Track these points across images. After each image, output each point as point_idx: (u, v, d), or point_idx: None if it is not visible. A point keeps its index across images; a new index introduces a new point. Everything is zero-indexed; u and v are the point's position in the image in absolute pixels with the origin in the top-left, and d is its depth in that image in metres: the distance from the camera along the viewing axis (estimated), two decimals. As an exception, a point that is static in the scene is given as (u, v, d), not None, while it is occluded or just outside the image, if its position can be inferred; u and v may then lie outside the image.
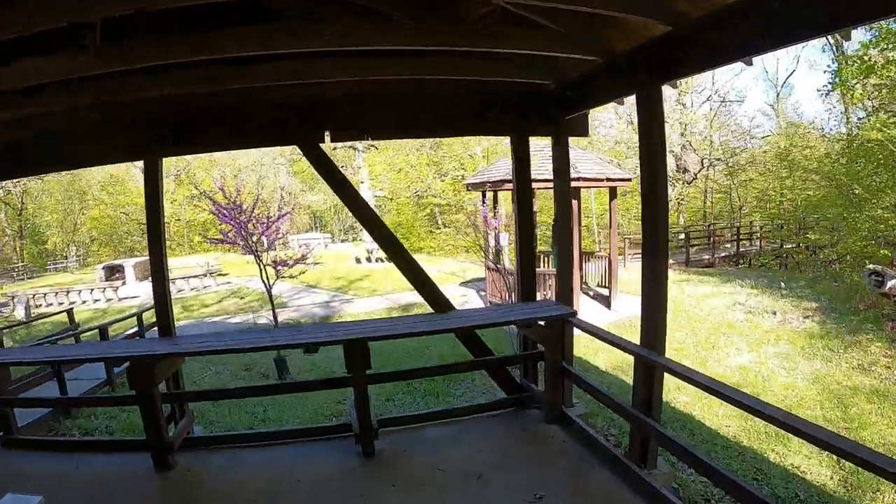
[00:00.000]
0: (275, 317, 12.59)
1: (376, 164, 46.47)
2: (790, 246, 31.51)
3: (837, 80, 26.93)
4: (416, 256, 24.31)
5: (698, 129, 44.36)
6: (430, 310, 7.41)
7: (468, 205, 40.89)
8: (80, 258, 52.75)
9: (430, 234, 47.25)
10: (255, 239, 11.95)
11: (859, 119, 29.37)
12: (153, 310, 7.54)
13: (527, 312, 6.87)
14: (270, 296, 12.43)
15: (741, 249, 31.53)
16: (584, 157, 18.74)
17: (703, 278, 21.93)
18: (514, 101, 7.26)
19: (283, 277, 12.93)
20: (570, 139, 7.48)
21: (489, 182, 17.86)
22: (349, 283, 25.04)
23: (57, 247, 55.96)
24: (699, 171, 44.05)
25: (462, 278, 26.06)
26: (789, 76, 70.93)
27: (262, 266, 12.07)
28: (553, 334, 6.71)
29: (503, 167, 18.10)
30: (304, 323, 17.75)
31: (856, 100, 27.90)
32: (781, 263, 29.83)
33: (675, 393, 9.88)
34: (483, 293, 20.88)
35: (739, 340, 13.67)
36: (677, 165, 42.79)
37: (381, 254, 32.11)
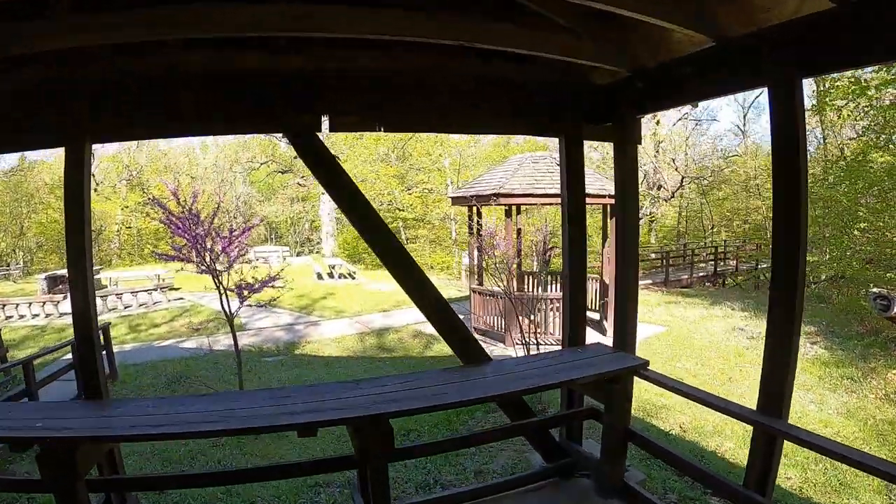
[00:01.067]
0: (238, 353, 10.59)
1: None
2: (765, 265, 30.83)
3: (825, 100, 26.68)
4: (377, 272, 22.50)
5: (672, 146, 43.62)
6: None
7: (452, 219, 39.56)
8: (24, 266, 49.85)
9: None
10: (213, 255, 10.00)
11: (850, 139, 29.20)
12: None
13: (590, 366, 5.46)
14: (232, 326, 10.45)
15: (718, 269, 31.31)
16: (587, 172, 17.14)
17: (689, 300, 21.36)
18: (565, 93, 5.97)
19: (248, 304, 11.06)
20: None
21: (477, 196, 16.16)
22: (313, 302, 23.03)
23: (2, 251, 52.77)
24: (676, 190, 43.24)
25: (436, 298, 23.98)
26: (757, 97, 71.16)
27: (222, 289, 10.14)
28: (616, 390, 5.43)
29: (492, 181, 16.42)
30: (268, 350, 15.88)
31: (843, 119, 27.06)
32: (757, 284, 29.83)
33: (718, 439, 8.94)
34: (462, 317, 19.06)
35: (753, 369, 12.59)
36: (650, 183, 41.92)
37: (344, 269, 30.42)
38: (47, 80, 4.54)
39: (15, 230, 51.90)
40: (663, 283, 27.89)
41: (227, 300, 10.13)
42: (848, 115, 23.75)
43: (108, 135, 5.26)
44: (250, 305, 11.12)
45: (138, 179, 53.41)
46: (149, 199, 11.80)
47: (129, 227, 53.14)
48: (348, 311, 21.84)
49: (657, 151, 42.25)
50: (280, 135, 44.93)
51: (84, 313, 4.83)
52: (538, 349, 11.40)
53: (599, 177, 18.43)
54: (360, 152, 42.20)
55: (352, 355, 15.62)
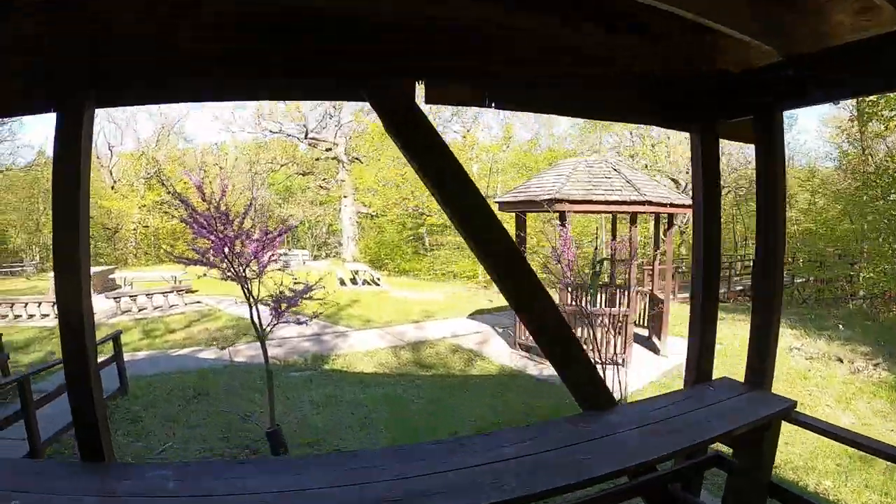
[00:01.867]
0: (270, 379, 9.15)
1: (366, 178, 42.96)
2: (801, 280, 30.64)
3: (868, 111, 26.05)
4: (401, 279, 21.15)
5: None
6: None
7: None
8: (39, 263, 48.82)
9: (416, 255, 43.85)
10: (242, 260, 8.61)
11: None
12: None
13: (736, 410, 4.37)
14: (263, 345, 9.04)
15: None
16: (642, 178, 15.86)
17: (731, 315, 19.63)
18: (698, 79, 4.80)
19: (286, 320, 9.64)
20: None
21: (529, 202, 14.79)
22: (338, 310, 21.50)
23: (18, 247, 52.64)
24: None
25: (464, 309, 22.73)
26: (793, 108, 72.30)
27: (253, 302, 8.73)
28: (766, 437, 4.37)
29: (544, 186, 15.00)
30: (295, 364, 14.49)
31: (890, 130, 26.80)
32: (804, 299, 28.52)
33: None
34: (500, 329, 17.81)
35: (822, 394, 12.00)
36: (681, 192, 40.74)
37: (368, 275, 29.17)
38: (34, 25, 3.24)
39: (31, 226, 51.45)
40: (703, 297, 26.38)
41: (258, 312, 8.74)
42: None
43: (115, 95, 3.82)
44: (287, 322, 9.67)
45: (156, 178, 52.76)
46: (170, 192, 10.21)
47: (146, 227, 52.52)
48: (377, 320, 20.42)
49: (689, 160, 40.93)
50: (303, 135, 44.56)
51: (77, 352, 3.48)
52: (604, 371, 10.00)
53: (654, 181, 17.09)
54: (386, 154, 40.77)
55: (388, 372, 14.25)
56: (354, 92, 3.88)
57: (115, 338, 12.09)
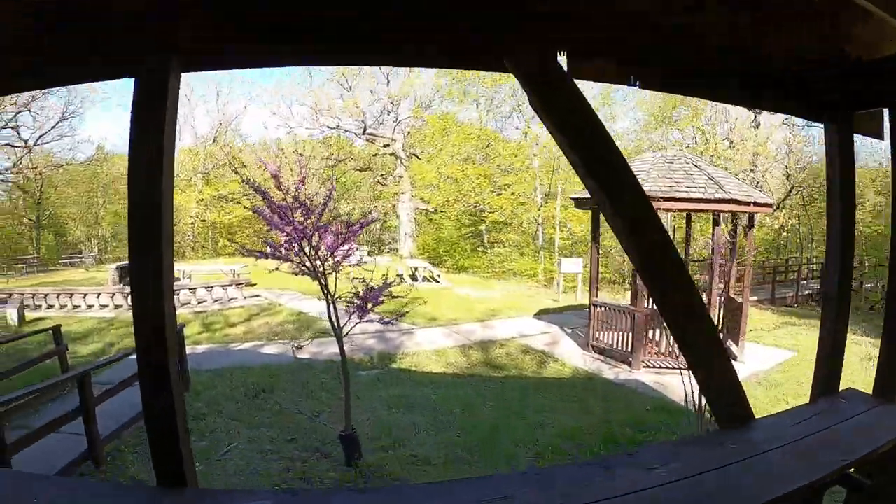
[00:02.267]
0: (346, 383, 8.60)
1: (426, 173, 42.33)
2: (869, 285, 29.69)
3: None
4: (460, 276, 20.48)
5: (773, 154, 40.82)
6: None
7: (540, 224, 37.53)
8: (97, 254, 50.33)
9: (475, 252, 43.23)
10: (319, 254, 8.09)
11: None
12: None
13: (879, 426, 3.71)
14: (341, 345, 8.52)
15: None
16: (722, 174, 15.06)
17: (804, 321, 19.50)
18: (832, 65, 4.10)
19: (370, 319, 9.10)
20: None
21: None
22: (401, 307, 20.96)
23: (77, 240, 54.15)
24: (783, 200, 40.54)
25: (529, 308, 22.00)
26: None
27: (331, 300, 8.22)
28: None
29: None
30: (362, 362, 13.95)
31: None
32: (872, 306, 26.61)
33: None
34: (568, 330, 17.13)
35: None
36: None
37: (428, 272, 28.70)
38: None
39: (90, 219, 53.08)
40: (770, 300, 26.14)
41: (335, 310, 8.23)
42: None
43: (208, 55, 3.22)
44: (372, 321, 9.14)
45: (214, 172, 54.08)
46: (245, 181, 9.60)
47: (204, 221, 52.96)
48: (441, 318, 19.91)
49: (754, 158, 39.64)
50: (361, 131, 44.29)
51: (156, 361, 2.93)
52: (682, 375, 9.33)
53: (735, 178, 16.30)
54: (446, 149, 40.22)
55: (458, 373, 13.68)
56: (497, 61, 3.31)
57: (179, 330, 11.69)
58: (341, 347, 8.43)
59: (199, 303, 22.72)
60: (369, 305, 8.35)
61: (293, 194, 7.84)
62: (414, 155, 43.58)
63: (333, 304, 8.18)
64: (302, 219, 7.72)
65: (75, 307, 23.97)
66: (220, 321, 19.59)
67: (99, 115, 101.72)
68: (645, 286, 3.68)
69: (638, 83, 3.61)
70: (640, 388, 12.37)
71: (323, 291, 8.10)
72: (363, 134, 44.61)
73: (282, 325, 18.60)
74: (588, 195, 14.85)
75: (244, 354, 14.86)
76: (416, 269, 28.91)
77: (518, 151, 40.02)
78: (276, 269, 8.28)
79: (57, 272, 40.01)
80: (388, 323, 9.35)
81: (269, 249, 8.16)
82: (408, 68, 44.25)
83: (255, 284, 24.83)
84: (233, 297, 23.27)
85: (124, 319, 21.05)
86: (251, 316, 20.25)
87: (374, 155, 46.10)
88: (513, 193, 38.16)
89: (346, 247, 8.31)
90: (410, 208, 42.38)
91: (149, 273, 2.83)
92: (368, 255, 45.00)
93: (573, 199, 16.19)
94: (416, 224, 44.12)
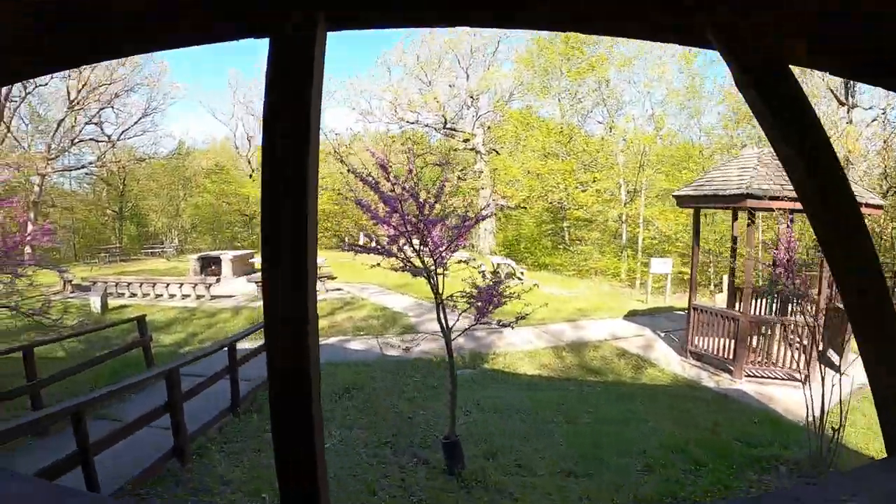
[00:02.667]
0: (454, 389, 8.06)
1: (510, 168, 41.52)
2: None
3: None
4: (541, 274, 19.90)
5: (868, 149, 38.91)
6: None
7: (623, 221, 36.58)
8: (178, 245, 51.70)
9: (556, 249, 42.20)
10: (428, 249, 7.60)
11: None
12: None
13: None
14: (449, 348, 8.07)
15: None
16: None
17: None
18: None
19: (486, 321, 8.61)
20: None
21: (713, 196, 13.31)
22: (486, 304, 20.40)
23: (158, 231, 55.89)
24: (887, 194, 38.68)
25: (616, 309, 21.18)
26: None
27: (440, 298, 7.74)
28: None
29: (729, 179, 13.35)
30: (454, 362, 13.47)
31: None
32: None
33: None
34: (661, 333, 16.36)
35: None
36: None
37: (511, 269, 28.16)
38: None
39: (171, 211, 54.86)
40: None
41: (444, 309, 7.73)
42: None
43: (358, 9, 2.69)
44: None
45: (334, 157, 54.18)
46: (350, 171, 8.96)
47: None
48: (529, 317, 19.08)
49: (848, 155, 37.83)
50: (441, 125, 43.90)
51: (292, 371, 2.38)
52: (795, 387, 8.63)
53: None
54: (529, 144, 39.50)
55: (553, 375, 13.17)
56: (700, 33, 2.71)
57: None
58: (449, 350, 7.96)
59: (282, 296, 22.46)
60: (490, 306, 7.83)
61: (402, 186, 7.35)
62: (493, 150, 42.96)
63: (442, 303, 7.69)
64: (417, 211, 7.22)
65: (157, 296, 24.35)
66: (306, 314, 19.21)
67: (180, 110, 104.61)
68: (841, 294, 3.04)
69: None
70: (742, 399, 11.75)
71: (432, 289, 7.61)
72: (443, 129, 44.23)
73: (366, 321, 18.33)
74: (692, 193, 14.17)
75: (329, 350, 14.55)
76: (498, 265, 28.33)
77: (602, 147, 39.05)
78: (378, 264, 7.82)
79: (138, 261, 41.25)
80: (506, 326, 8.69)
81: (371, 243, 7.75)
82: (488, 62, 43.85)
83: (335, 278, 24.62)
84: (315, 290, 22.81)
85: (206, 309, 21.21)
86: (334, 310, 20.07)
87: (454, 150, 45.58)
88: (597, 190, 37.08)
89: (458, 243, 7.86)
90: (491, 202, 41.91)
91: (289, 264, 2.32)
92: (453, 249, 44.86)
93: (675, 196, 15.34)
94: (495, 220, 43.51)
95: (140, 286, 25.18)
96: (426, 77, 44.41)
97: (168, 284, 24.96)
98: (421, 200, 7.34)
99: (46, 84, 40.68)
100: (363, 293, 22.72)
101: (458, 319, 8.21)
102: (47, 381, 9.84)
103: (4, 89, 37.39)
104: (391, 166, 7.67)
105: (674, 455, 8.39)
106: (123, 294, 24.84)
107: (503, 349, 14.84)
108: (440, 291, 7.68)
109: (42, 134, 43.27)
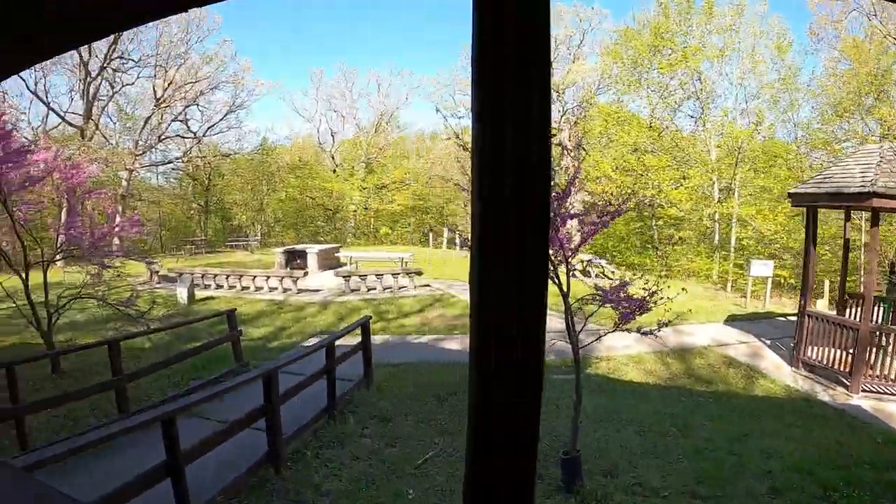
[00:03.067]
0: (578, 400, 7.48)
1: (599, 164, 40.10)
2: None
3: None
4: (630, 274, 19.48)
5: None
6: None
7: (716, 220, 35.17)
8: (261, 238, 52.70)
9: (646, 249, 40.92)
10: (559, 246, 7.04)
11: None
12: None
13: None
14: (577, 358, 7.54)
15: None
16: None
17: None
18: None
19: (626, 329, 8.02)
20: None
21: (835, 194, 12.45)
22: (583, 305, 19.40)
23: (242, 224, 57.04)
24: None
25: (715, 313, 20.25)
26: None
27: (569, 304, 7.20)
28: None
29: (853, 177, 12.43)
30: (553, 365, 12.86)
31: None
32: None
33: None
34: (767, 341, 15.51)
35: None
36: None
37: (600, 268, 27.51)
38: None
39: (255, 205, 56.24)
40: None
41: (572, 314, 7.20)
42: None
43: None
44: (628, 331, 8.08)
45: (378, 161, 56.33)
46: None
47: (366, 209, 55.30)
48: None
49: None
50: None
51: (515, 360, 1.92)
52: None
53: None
54: (619, 139, 38.32)
55: (660, 383, 12.56)
56: None
57: (365, 325, 11.14)
58: (577, 358, 7.43)
59: (368, 290, 22.61)
60: (638, 311, 7.21)
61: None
62: (579, 146, 42.08)
63: (569, 307, 7.15)
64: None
65: (244, 288, 24.68)
66: (393, 310, 19.30)
67: (263, 107, 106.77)
68: None
69: None
70: (861, 416, 10.95)
71: (561, 291, 7.09)
72: (530, 123, 43.83)
73: (458, 319, 17.92)
74: (810, 191, 13.28)
75: (424, 348, 14.37)
76: (587, 263, 27.64)
77: (693, 142, 37.62)
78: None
79: (223, 254, 42.62)
80: (647, 334, 7.95)
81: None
82: (573, 55, 43.10)
83: (421, 273, 24.31)
84: (403, 286, 22.95)
85: (293, 303, 21.33)
86: (424, 306, 19.83)
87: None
88: (688, 188, 35.39)
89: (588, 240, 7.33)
90: (577, 200, 41.02)
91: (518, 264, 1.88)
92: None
93: (791, 194, 14.35)
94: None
95: (227, 278, 25.54)
96: (511, 71, 43.96)
97: (255, 277, 25.25)
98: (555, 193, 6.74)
99: (133, 84, 42.74)
100: (451, 290, 22.41)
101: (584, 324, 7.56)
102: (133, 375, 9.79)
103: (92, 88, 38.71)
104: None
105: (800, 478, 7.70)
106: (210, 286, 25.21)
107: (604, 353, 14.21)
108: (567, 292, 7.10)
109: (129, 131, 44.88)
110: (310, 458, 7.80)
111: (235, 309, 13.65)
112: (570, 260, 7.15)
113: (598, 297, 7.36)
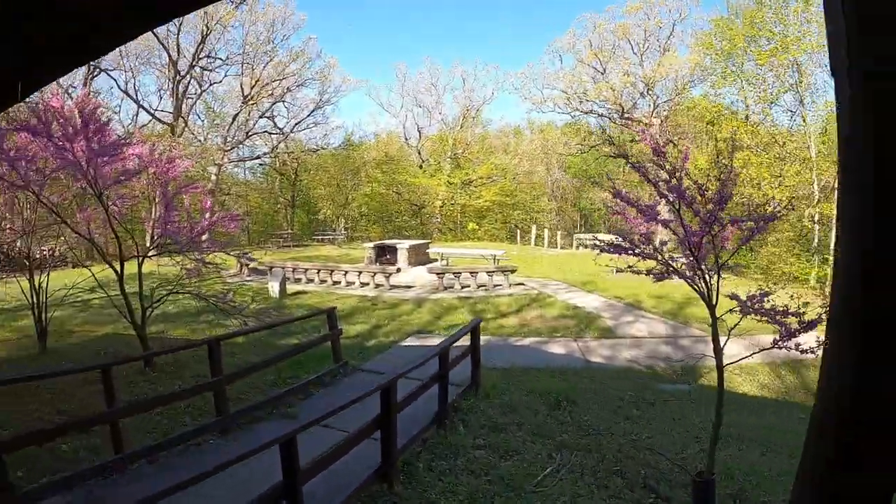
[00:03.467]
0: (718, 420, 6.87)
1: (696, 159, 38.32)
2: None
3: None
4: (723, 276, 18.65)
5: None
6: None
7: (816, 221, 33.59)
8: (347, 232, 53.59)
9: (741, 249, 38.67)
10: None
11: None
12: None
13: None
14: (721, 379, 6.98)
15: None
16: None
17: None
18: None
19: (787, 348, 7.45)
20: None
21: None
22: (678, 307, 18.78)
23: (327, 218, 57.86)
24: None
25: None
26: None
27: (716, 317, 6.63)
28: None
29: None
30: (663, 374, 12.61)
31: None
32: None
33: None
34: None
35: None
36: None
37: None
38: None
39: (341, 200, 56.89)
40: None
41: (717, 329, 6.73)
42: None
43: None
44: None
45: (464, 157, 56.58)
46: (633, 165, 7.56)
47: (453, 204, 55.27)
48: (723, 324, 17.62)
49: None
50: (619, 115, 42.57)
51: None
52: None
53: None
54: (715, 133, 37.12)
55: (776, 398, 12.04)
56: None
57: (476, 327, 10.69)
58: (721, 379, 6.87)
59: (461, 287, 22.37)
60: (807, 329, 6.33)
61: (683, 174, 6.12)
62: (670, 141, 40.95)
63: (716, 319, 6.65)
64: (711, 206, 5.95)
65: (335, 283, 24.80)
66: (490, 309, 19.01)
67: (349, 103, 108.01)
68: None
69: None
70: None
71: (706, 301, 6.60)
72: (620, 118, 42.83)
73: (558, 320, 17.60)
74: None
75: (528, 352, 14.06)
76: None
77: (791, 138, 35.96)
78: (630, 267, 6.69)
79: (309, 247, 42.87)
80: (807, 352, 6.83)
81: (622, 243, 6.61)
82: (663, 46, 42.08)
83: (515, 270, 23.81)
84: (498, 284, 22.58)
85: (386, 300, 21.23)
86: (521, 306, 19.44)
87: (632, 141, 43.89)
88: (788, 186, 33.67)
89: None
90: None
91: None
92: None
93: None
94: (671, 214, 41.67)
95: (317, 272, 25.63)
96: (601, 65, 43.14)
97: (346, 272, 25.35)
98: (709, 194, 6.04)
99: (220, 82, 44.79)
100: (546, 289, 22.00)
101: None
102: (233, 376, 9.65)
103: (181, 87, 40.38)
104: (665, 150, 6.42)
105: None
106: (300, 280, 25.43)
107: (711, 361, 13.52)
108: (714, 303, 6.58)
109: (217, 128, 46.73)
110: (422, 472, 7.38)
111: (335, 308, 13.54)
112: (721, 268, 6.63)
113: (736, 309, 6.66)
